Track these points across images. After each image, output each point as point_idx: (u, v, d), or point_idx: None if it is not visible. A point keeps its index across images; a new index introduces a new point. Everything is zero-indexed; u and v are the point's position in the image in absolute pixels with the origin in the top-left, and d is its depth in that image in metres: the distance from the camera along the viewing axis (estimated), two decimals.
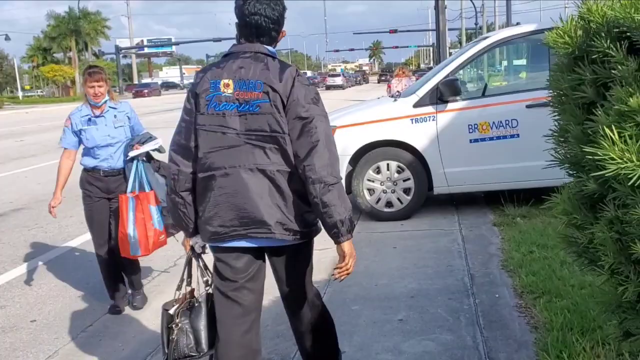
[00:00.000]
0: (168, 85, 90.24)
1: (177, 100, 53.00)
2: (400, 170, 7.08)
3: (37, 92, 74.00)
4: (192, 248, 3.02)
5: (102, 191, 4.89)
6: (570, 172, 2.41)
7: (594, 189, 2.18)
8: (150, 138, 4.89)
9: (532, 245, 5.50)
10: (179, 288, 3.07)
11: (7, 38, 62.11)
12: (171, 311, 3.01)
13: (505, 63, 11.11)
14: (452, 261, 5.48)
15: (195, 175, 2.85)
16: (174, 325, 2.97)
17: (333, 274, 2.82)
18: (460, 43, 54.11)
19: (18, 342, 4.65)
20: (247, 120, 2.74)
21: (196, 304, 3.01)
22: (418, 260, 5.57)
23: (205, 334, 2.96)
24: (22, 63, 78.46)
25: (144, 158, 4.84)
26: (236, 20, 2.88)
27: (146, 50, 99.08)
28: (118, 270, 5.07)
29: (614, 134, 1.80)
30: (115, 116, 4.91)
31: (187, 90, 2.97)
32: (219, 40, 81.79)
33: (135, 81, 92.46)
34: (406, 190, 7.12)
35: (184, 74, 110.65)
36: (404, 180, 7.10)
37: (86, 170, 4.94)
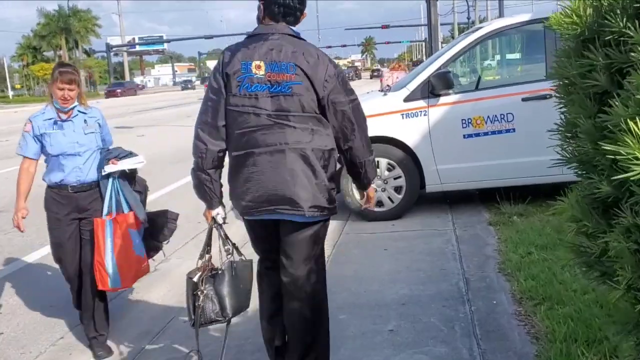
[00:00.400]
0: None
1: (154, 99, 52.60)
2: (390, 168, 6.78)
3: (25, 91, 73.30)
4: (214, 219, 3.15)
5: (72, 210, 4.18)
6: (579, 172, 2.10)
7: (608, 192, 1.87)
8: (131, 154, 4.26)
9: (530, 246, 5.21)
10: (201, 257, 3.17)
11: None
12: (195, 279, 3.11)
13: (499, 55, 10.81)
14: (446, 264, 5.18)
15: (223, 153, 3.00)
16: (199, 292, 3.07)
17: (363, 208, 3.47)
18: (453, 37, 53.84)
19: None
20: (279, 101, 2.87)
21: (219, 272, 3.12)
22: (410, 263, 5.27)
23: (229, 299, 3.10)
24: (12, 62, 77.91)
25: (118, 174, 4.20)
26: (261, 1, 2.97)
27: (138, 48, 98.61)
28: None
29: (638, 128, 1.49)
30: (85, 121, 4.21)
31: (213, 69, 3.04)
32: (210, 37, 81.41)
33: (127, 79, 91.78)
34: (397, 189, 6.82)
35: (176, 71, 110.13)
36: (395, 178, 6.79)
37: (51, 187, 4.22)
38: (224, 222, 3.19)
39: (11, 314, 5.09)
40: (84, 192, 4.19)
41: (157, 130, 21.29)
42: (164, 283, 5.40)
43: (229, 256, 3.16)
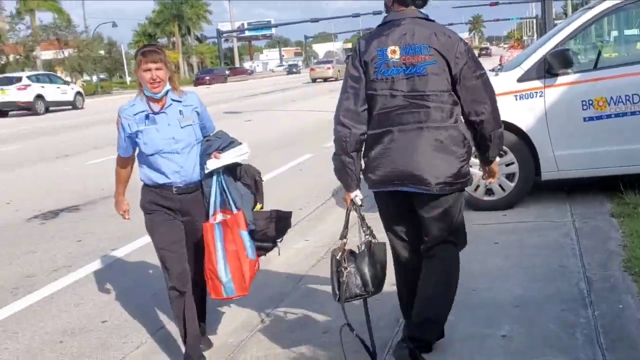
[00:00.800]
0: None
1: (254, 86, 53.27)
2: (502, 153, 6.32)
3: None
4: (352, 201, 3.32)
5: (174, 210, 3.76)
6: None
7: None
8: (232, 143, 3.77)
9: None
10: (342, 237, 3.31)
11: (114, 25, 64.62)
12: (338, 256, 3.28)
13: (616, 31, 9.99)
14: (564, 260, 4.72)
15: (364, 136, 3.18)
16: (342, 269, 3.23)
17: (486, 182, 3.60)
18: (565, 14, 51.29)
19: (85, 347, 4.39)
20: (414, 82, 3.05)
21: (359, 250, 3.30)
22: (523, 259, 4.86)
23: (370, 276, 3.25)
24: (130, 49, 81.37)
25: (222, 169, 3.74)
26: None
27: (247, 33, 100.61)
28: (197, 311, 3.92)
29: None
30: (180, 112, 3.70)
31: (350, 58, 3.29)
32: (316, 20, 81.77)
33: (237, 65, 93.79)
34: (509, 176, 6.36)
35: (283, 56, 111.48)
36: (507, 165, 6.34)
37: (149, 186, 3.78)
38: (362, 205, 3.33)
39: (116, 302, 5.14)
40: (189, 194, 3.77)
41: (264, 115, 21.50)
42: (262, 273, 5.25)
43: (367, 236, 3.32)
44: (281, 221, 3.89)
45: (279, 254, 4.00)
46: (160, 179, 3.71)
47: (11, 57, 53.40)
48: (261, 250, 3.86)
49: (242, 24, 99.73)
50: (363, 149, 3.24)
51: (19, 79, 32.27)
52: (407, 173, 3.09)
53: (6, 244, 7.18)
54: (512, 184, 6.37)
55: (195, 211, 3.79)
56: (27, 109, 31.50)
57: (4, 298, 5.41)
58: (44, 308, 5.13)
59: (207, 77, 59.77)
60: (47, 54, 56.45)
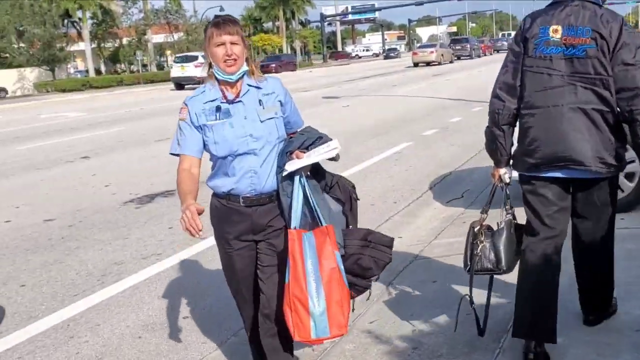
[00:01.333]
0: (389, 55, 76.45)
1: (354, 70, 52.70)
2: None
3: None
4: (501, 178, 3.36)
5: (245, 231, 3.01)
6: None
7: None
8: (321, 139, 2.94)
9: None
10: (483, 211, 3.37)
11: (222, 9, 65.99)
12: (476, 229, 3.33)
13: None
14: None
15: (517, 111, 3.20)
16: (478, 242, 3.28)
17: None
18: None
19: (164, 344, 4.24)
20: (573, 63, 3.05)
21: (499, 227, 3.31)
22: None
23: (504, 254, 3.26)
24: None
25: (308, 173, 2.95)
26: None
27: (350, 17, 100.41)
28: None
29: None
30: (260, 101, 2.93)
31: (514, 34, 3.36)
32: (420, 4, 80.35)
33: (339, 49, 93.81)
34: (628, 176, 5.74)
35: (386, 39, 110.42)
36: (627, 163, 5.70)
37: (217, 196, 3.05)
38: (509, 183, 3.36)
39: (199, 296, 4.98)
40: (262, 207, 2.97)
41: (362, 101, 21.12)
42: None
43: (508, 215, 3.32)
44: (379, 249, 3.01)
45: (369, 298, 3.31)
46: (226, 186, 2.96)
47: (124, 40, 55.63)
48: (360, 286, 3.02)
49: (346, 8, 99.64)
50: (518, 131, 3.26)
51: (196, 58, 36.69)
52: (566, 153, 3.07)
53: (100, 228, 7.22)
54: (632, 184, 5.76)
55: (271, 229, 3.01)
56: (202, 83, 35.27)
57: (91, 286, 5.36)
58: (128, 299, 5.03)
59: (274, 64, 52.91)
60: (157, 38, 58.40)
